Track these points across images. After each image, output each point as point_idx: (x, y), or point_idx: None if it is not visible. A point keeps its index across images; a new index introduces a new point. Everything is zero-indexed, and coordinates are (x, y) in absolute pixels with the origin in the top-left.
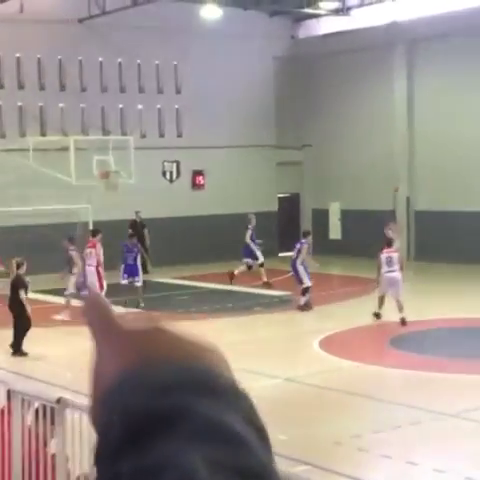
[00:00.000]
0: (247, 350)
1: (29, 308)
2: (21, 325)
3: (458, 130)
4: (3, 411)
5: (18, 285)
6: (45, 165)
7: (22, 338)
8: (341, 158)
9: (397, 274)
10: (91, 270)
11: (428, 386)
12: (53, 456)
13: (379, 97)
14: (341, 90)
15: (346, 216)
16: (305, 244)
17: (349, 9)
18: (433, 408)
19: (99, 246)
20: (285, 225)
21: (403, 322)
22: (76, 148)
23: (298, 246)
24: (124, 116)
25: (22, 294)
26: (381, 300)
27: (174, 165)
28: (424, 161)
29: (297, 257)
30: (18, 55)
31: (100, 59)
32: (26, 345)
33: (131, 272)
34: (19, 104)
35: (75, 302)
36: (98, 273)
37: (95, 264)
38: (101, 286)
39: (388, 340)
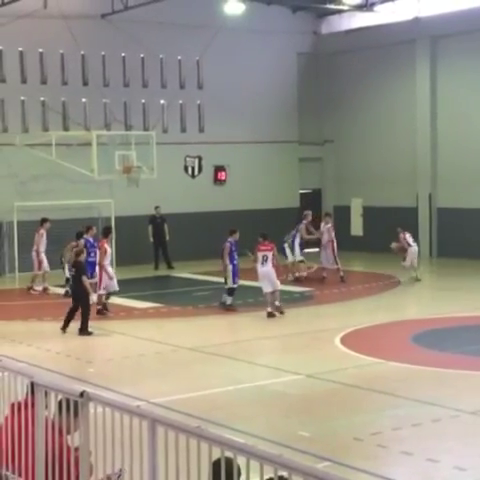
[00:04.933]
0: (269, 346)
1: (92, 293)
2: (84, 308)
3: None
4: (26, 403)
5: (81, 271)
6: (67, 160)
7: (88, 320)
8: (363, 154)
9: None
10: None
11: (449, 383)
12: (76, 450)
13: (401, 93)
14: (363, 86)
15: (368, 212)
16: (227, 243)
17: (372, 5)
18: (454, 405)
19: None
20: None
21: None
22: (98, 143)
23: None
24: (146, 111)
25: (85, 280)
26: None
27: (196, 160)
28: (446, 158)
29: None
30: (41, 50)
31: (123, 54)
32: (44, 339)
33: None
34: (42, 99)
35: None
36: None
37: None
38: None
39: (410, 337)
